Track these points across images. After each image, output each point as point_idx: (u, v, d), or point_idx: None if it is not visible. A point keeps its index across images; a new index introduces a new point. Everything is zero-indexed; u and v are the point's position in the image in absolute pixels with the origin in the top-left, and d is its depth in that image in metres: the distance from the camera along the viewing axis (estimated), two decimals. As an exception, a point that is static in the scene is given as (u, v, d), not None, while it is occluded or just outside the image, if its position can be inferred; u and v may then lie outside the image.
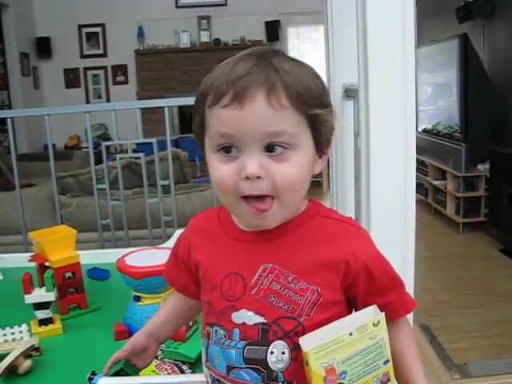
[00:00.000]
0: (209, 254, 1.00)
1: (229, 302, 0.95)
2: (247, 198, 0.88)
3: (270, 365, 0.90)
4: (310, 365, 0.86)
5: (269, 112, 0.84)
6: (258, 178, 0.86)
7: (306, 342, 0.88)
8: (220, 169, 0.89)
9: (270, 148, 0.86)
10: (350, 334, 0.89)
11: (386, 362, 0.92)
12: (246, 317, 0.92)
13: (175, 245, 1.11)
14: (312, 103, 0.88)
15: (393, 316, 0.97)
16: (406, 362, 0.98)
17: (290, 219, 0.95)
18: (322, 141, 0.93)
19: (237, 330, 0.93)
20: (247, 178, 0.86)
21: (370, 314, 0.92)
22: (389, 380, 0.93)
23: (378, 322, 0.91)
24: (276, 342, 0.91)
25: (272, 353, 0.90)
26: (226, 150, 0.88)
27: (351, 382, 0.88)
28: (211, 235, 1.01)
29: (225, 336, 0.94)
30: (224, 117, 0.86)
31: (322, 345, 0.87)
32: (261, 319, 0.92)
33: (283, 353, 0.90)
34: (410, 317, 1.33)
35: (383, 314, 0.93)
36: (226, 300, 0.95)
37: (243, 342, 0.92)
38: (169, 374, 1.34)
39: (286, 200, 0.89)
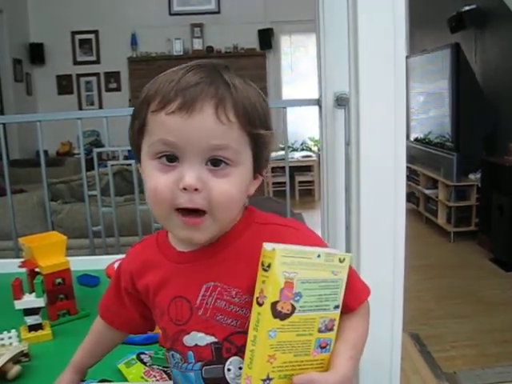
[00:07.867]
0: (153, 281, 0.98)
1: (178, 326, 0.94)
2: (181, 211, 0.86)
3: (229, 381, 0.91)
4: (273, 267, 0.82)
5: (216, 125, 0.83)
6: (195, 190, 0.84)
7: (271, 246, 0.85)
8: (157, 177, 0.86)
9: (212, 162, 0.85)
10: (318, 256, 0.86)
11: (336, 307, 0.90)
12: (198, 338, 0.92)
13: (114, 279, 1.09)
14: (257, 123, 0.88)
15: (346, 310, 0.93)
16: (337, 342, 0.92)
17: (224, 233, 0.93)
18: (261, 162, 0.93)
19: (191, 353, 0.93)
20: (184, 189, 0.84)
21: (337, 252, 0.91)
22: (332, 329, 0.90)
23: (344, 259, 0.89)
24: (231, 359, 0.91)
25: (229, 370, 0.91)
26: (169, 158, 0.86)
27: (302, 310, 0.85)
28: (152, 263, 0.99)
29: (181, 360, 0.94)
30: (168, 124, 0.84)
31: (290, 250, 0.84)
32: (212, 338, 0.91)
33: (240, 368, 0.89)
34: (397, 324, 1.32)
35: (351, 254, 0.91)
36: (176, 325, 0.94)
37: (199, 364, 0.92)
38: (157, 380, 1.34)
39: (220, 216, 0.87)
